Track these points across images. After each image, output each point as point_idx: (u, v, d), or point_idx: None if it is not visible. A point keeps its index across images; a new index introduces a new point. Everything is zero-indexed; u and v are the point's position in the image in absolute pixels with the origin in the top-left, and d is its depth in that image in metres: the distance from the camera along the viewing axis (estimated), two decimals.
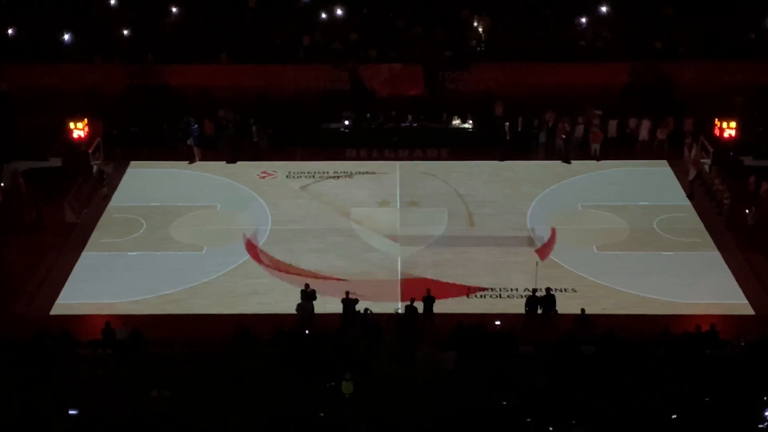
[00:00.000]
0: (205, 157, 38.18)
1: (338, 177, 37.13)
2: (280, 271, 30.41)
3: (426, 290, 27.48)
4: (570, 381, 23.60)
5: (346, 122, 39.80)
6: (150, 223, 33.47)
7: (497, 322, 26.60)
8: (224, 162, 38.06)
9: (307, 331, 25.99)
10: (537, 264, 28.88)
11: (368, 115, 40.01)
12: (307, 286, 27.77)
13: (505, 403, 22.73)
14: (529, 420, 22.09)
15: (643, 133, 38.51)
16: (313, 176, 37.18)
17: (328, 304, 27.57)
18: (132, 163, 38.06)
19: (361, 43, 41.45)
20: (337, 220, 33.76)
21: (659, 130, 38.27)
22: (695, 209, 34.24)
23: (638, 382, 23.44)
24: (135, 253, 31.73)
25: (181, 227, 33.33)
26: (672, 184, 36.29)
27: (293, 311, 27.12)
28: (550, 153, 38.76)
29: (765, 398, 22.66)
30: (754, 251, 31.25)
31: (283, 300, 28.44)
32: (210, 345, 25.38)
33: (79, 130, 35.76)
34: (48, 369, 24.26)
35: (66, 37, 40.87)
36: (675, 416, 22.11)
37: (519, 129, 38.76)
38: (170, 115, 39.15)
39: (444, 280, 29.77)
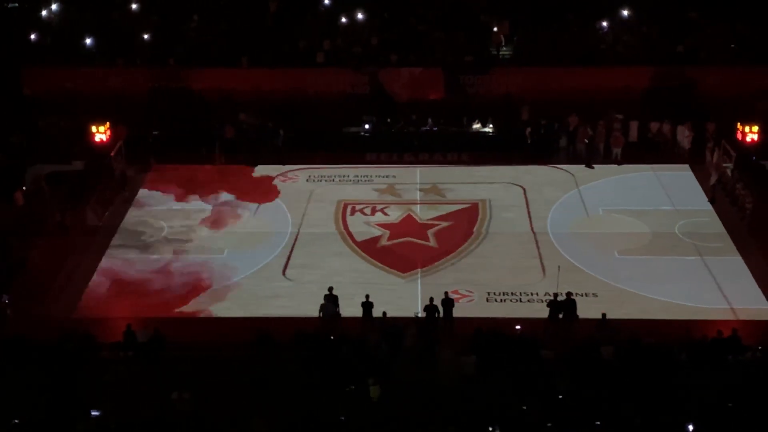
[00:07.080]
0: (226, 161, 38.39)
1: (358, 181, 37.19)
2: None
3: (444, 293, 27.48)
4: (591, 386, 23.51)
5: (367, 126, 39.86)
6: (171, 226, 33.65)
7: (517, 327, 26.54)
8: (245, 165, 38.26)
9: (332, 337, 25.98)
10: (558, 268, 28.83)
11: (388, 119, 40.03)
12: (330, 289, 27.79)
13: (525, 408, 22.66)
14: (550, 425, 22.03)
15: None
16: (333, 180, 37.26)
17: (348, 307, 27.60)
18: (154, 166, 38.30)
19: (382, 47, 41.48)
20: (358, 223, 33.82)
21: (688, 133, 38.24)
22: (717, 214, 34.06)
23: (660, 388, 23.32)
24: (156, 256, 31.90)
25: (202, 230, 33.48)
26: (694, 188, 36.13)
27: (315, 314, 27.16)
28: (571, 157, 38.70)
29: None
30: None
31: (305, 303, 28.48)
32: (231, 348, 25.43)
33: (101, 133, 35.97)
34: (71, 370, 24.41)
35: (88, 41, 41.12)
36: (697, 422, 21.98)
37: (540, 132, 38.70)
38: (192, 119, 39.33)
39: (463, 284, 29.75)
